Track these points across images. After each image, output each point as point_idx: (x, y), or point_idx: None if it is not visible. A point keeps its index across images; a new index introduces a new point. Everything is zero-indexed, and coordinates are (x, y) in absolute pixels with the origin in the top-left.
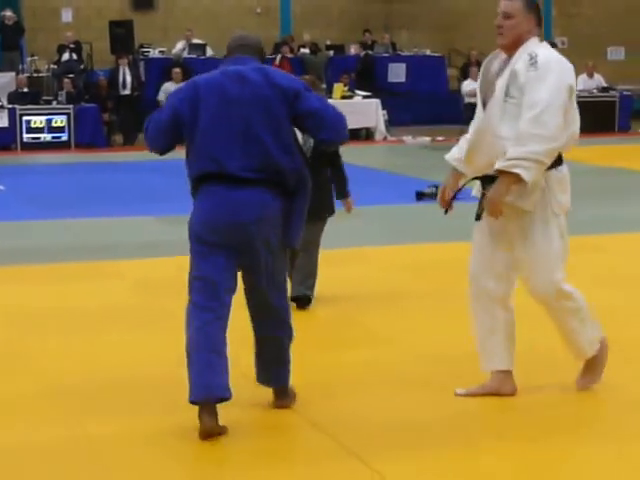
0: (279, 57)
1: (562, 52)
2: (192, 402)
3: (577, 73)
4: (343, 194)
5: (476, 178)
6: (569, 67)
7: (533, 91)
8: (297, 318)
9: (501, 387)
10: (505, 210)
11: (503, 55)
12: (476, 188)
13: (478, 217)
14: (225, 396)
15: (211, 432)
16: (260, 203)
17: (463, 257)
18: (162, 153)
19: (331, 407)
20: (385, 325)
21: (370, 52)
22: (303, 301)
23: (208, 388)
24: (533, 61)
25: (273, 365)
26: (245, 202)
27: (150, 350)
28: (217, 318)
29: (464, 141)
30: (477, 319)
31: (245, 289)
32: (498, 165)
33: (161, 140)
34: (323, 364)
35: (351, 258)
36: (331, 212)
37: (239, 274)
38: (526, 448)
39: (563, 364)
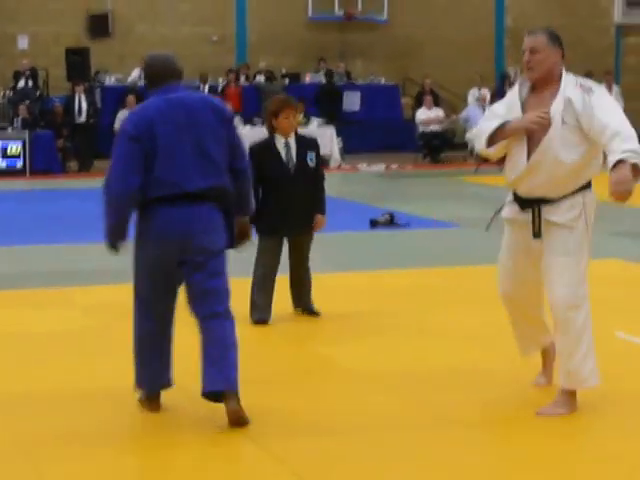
0: (227, 84)
1: (514, 82)
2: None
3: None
4: (318, 210)
5: (520, 201)
6: None
7: (603, 110)
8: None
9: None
10: (545, 226)
11: (528, 83)
12: (510, 209)
13: (537, 235)
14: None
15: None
16: (209, 215)
17: (417, 283)
18: (138, 191)
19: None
20: (342, 352)
21: (332, 81)
22: (313, 313)
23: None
24: (586, 88)
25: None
26: (197, 215)
27: (102, 374)
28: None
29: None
30: (519, 324)
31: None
32: (617, 156)
33: (134, 175)
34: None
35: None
36: (311, 227)
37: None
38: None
39: None
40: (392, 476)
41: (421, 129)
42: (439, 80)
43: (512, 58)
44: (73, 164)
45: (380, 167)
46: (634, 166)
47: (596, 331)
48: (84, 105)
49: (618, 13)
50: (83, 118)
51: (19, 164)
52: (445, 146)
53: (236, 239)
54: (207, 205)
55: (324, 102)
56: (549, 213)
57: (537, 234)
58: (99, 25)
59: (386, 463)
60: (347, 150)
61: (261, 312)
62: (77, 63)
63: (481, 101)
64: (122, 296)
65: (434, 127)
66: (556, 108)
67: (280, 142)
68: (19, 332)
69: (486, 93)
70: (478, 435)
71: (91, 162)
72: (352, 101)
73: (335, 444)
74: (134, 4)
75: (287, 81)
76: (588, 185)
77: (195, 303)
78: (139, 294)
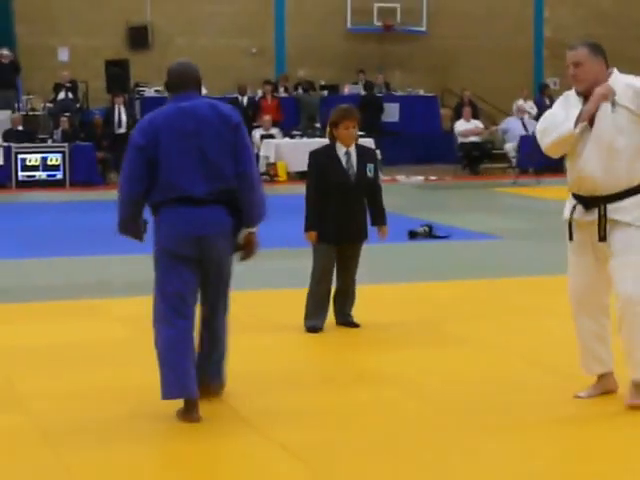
0: (264, 96)
1: (554, 92)
2: (167, 398)
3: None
4: (380, 222)
5: (584, 202)
6: None
7: None
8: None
9: (609, 386)
10: (610, 225)
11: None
12: (573, 210)
13: (603, 238)
14: (195, 396)
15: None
16: (219, 220)
17: (456, 294)
18: (142, 196)
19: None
20: (381, 360)
21: (373, 92)
22: (353, 325)
23: (185, 388)
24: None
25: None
26: (208, 219)
27: (142, 383)
28: (187, 329)
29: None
30: (586, 330)
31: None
32: None
33: (137, 183)
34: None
35: None
36: (365, 236)
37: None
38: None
39: None
40: (396, 472)
41: (460, 140)
42: (478, 91)
43: (551, 69)
44: (113, 175)
45: (419, 179)
46: None
47: None
48: (124, 117)
49: None
50: (123, 130)
51: (59, 175)
52: (484, 157)
53: (242, 250)
54: (215, 208)
55: (363, 113)
56: (614, 212)
57: (603, 237)
58: (138, 37)
59: (394, 461)
60: (386, 162)
61: (313, 320)
62: (117, 75)
63: (520, 112)
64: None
65: (473, 138)
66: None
67: (341, 151)
68: (60, 342)
69: (525, 105)
70: (491, 441)
71: None
72: (391, 112)
73: (354, 440)
74: (173, 16)
75: (326, 93)
76: None
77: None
78: (169, 296)
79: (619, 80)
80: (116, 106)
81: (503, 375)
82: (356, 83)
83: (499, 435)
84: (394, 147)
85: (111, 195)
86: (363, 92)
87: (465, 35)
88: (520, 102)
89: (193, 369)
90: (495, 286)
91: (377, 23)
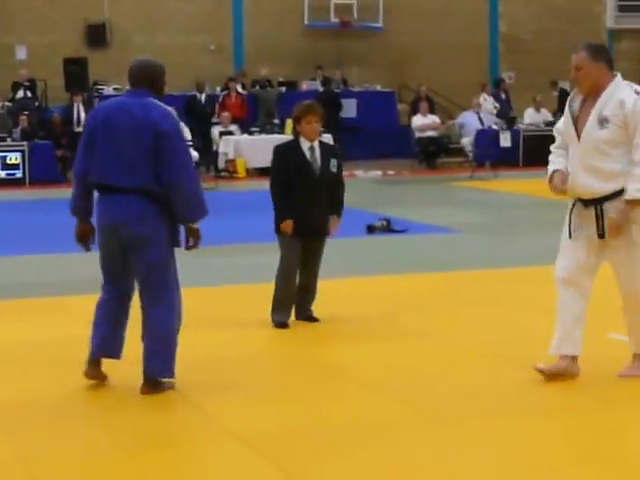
0: (228, 93)
1: (510, 87)
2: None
3: (524, 107)
4: (335, 212)
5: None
6: None
7: None
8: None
9: (571, 369)
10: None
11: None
12: (573, 206)
13: (602, 236)
14: (95, 356)
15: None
16: (133, 206)
17: (414, 288)
18: (83, 174)
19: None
20: (341, 354)
21: (331, 88)
22: (313, 319)
23: (93, 347)
24: None
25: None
26: (121, 206)
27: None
28: (113, 299)
29: (556, 157)
30: (567, 311)
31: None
32: (629, 195)
33: (80, 160)
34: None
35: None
36: (328, 232)
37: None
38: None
39: None
40: (353, 463)
41: (417, 135)
42: (434, 86)
43: (506, 64)
44: (97, 174)
45: (377, 173)
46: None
47: (591, 332)
48: (83, 115)
49: (610, 18)
50: (82, 128)
51: (19, 174)
52: (441, 152)
53: (186, 241)
54: (131, 196)
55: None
56: (612, 211)
57: (602, 235)
58: (97, 35)
59: (352, 452)
60: (344, 157)
61: (281, 315)
62: (75, 73)
63: (475, 107)
64: None
65: (430, 133)
66: (598, 107)
67: (305, 145)
68: (18, 340)
69: (483, 99)
70: (453, 433)
71: None
72: (349, 108)
73: (318, 438)
74: (132, 14)
75: (284, 89)
76: None
77: (139, 291)
78: (102, 269)
79: (617, 91)
80: (75, 104)
81: (463, 367)
82: (314, 79)
83: (461, 427)
84: (352, 142)
85: (70, 193)
86: (321, 88)
87: (421, 31)
88: (482, 97)
89: (110, 335)
90: (452, 279)
91: (334, 19)
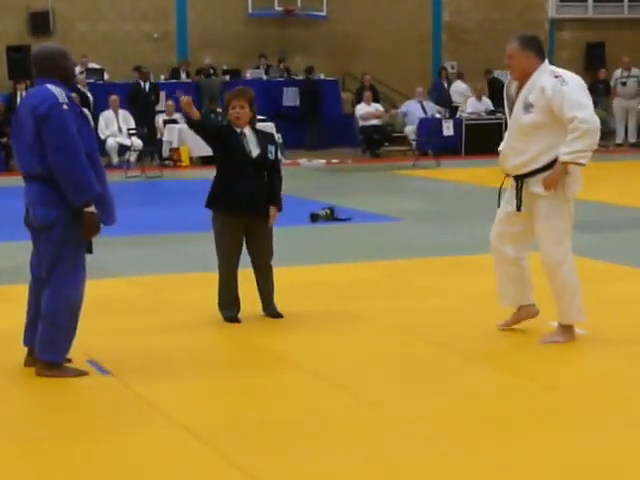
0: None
1: (451, 75)
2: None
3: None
4: (273, 202)
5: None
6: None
7: (572, 98)
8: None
9: (528, 314)
10: (531, 196)
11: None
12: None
13: (518, 208)
14: (25, 343)
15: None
16: (32, 191)
17: (358, 276)
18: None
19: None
20: (283, 343)
21: (310, 77)
22: (277, 315)
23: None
24: (561, 80)
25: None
26: (27, 191)
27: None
28: (31, 286)
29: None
30: (499, 272)
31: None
32: (563, 158)
33: None
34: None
35: (248, 280)
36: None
37: None
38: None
39: None
40: (299, 453)
41: (361, 124)
42: (378, 75)
43: (449, 53)
44: (15, 162)
45: (320, 162)
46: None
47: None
48: None
49: (552, 8)
50: None
51: None
52: (384, 140)
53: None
54: (34, 182)
55: (265, 98)
56: (531, 185)
57: (518, 208)
58: (40, 23)
59: (298, 441)
60: (287, 145)
61: (229, 310)
62: (18, 61)
63: (418, 95)
64: None
65: (374, 121)
66: (524, 93)
67: (237, 130)
68: None
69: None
70: (390, 417)
71: None
72: (291, 97)
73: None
74: (74, 2)
75: (228, 77)
76: None
77: None
78: None
79: (541, 77)
80: (18, 92)
81: (405, 354)
82: (258, 68)
83: (400, 411)
84: (295, 131)
85: (14, 181)
86: (265, 77)
87: (366, 20)
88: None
89: (29, 321)
90: (395, 267)
91: (278, 8)
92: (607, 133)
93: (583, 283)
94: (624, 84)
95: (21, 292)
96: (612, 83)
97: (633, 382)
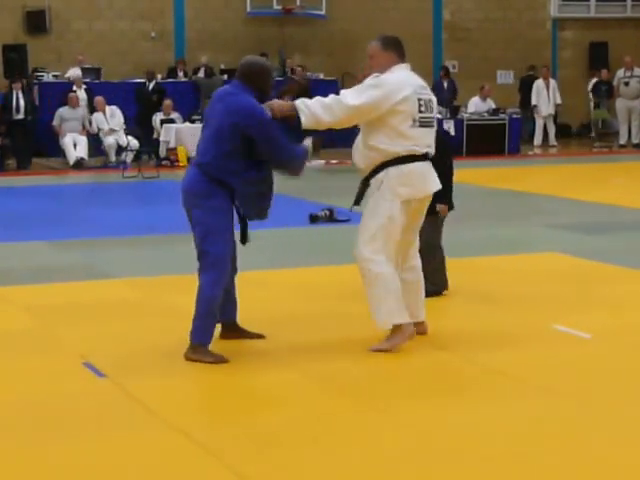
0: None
1: (454, 75)
2: None
3: (469, 96)
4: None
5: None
6: (395, 85)
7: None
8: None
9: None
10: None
11: None
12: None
13: (355, 202)
14: None
15: None
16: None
17: (357, 279)
18: None
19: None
20: (275, 345)
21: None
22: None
23: None
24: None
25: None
26: None
27: (41, 377)
28: None
29: None
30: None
31: None
32: (298, 102)
33: None
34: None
35: (246, 281)
36: None
37: None
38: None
39: None
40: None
41: None
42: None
43: (450, 52)
44: (11, 162)
45: (320, 162)
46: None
47: (535, 324)
48: (22, 102)
49: (554, 7)
50: (21, 115)
51: None
52: None
53: None
54: None
55: None
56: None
57: (356, 202)
58: (36, 21)
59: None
60: None
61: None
62: (14, 60)
63: None
64: (60, 296)
65: None
66: None
67: None
68: None
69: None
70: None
71: (29, 160)
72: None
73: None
74: (71, 0)
75: (226, 77)
76: (391, 163)
77: None
78: None
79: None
80: (14, 91)
81: (405, 355)
82: None
83: (401, 415)
84: None
85: (9, 182)
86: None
87: (365, 19)
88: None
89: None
90: None
91: (277, 6)
92: (610, 134)
93: (587, 285)
94: (627, 84)
95: (17, 293)
96: (615, 83)
97: None
